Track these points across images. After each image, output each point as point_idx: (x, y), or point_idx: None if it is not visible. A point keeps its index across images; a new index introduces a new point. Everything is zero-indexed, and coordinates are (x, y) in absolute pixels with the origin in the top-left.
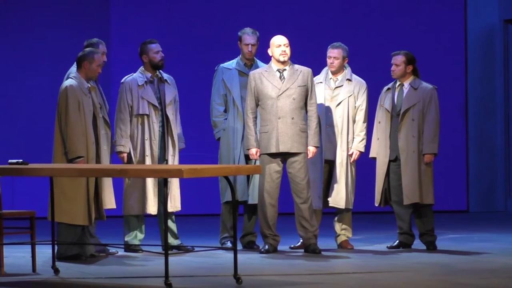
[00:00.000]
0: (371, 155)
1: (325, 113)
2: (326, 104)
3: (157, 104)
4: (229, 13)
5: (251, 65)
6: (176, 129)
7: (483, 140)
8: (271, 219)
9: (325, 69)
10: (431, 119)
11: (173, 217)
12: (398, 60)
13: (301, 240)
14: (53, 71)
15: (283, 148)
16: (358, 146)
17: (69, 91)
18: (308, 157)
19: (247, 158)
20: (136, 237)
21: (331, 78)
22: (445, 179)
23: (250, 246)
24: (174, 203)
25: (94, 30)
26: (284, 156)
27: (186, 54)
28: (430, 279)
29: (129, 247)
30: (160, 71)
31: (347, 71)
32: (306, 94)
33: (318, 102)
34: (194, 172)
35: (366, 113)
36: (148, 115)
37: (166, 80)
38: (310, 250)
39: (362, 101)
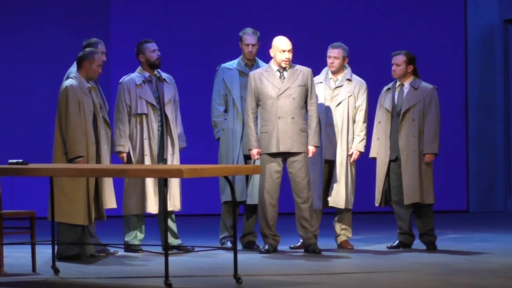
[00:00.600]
0: (371, 155)
1: (325, 113)
2: (326, 104)
3: (155, 103)
4: (229, 13)
5: (252, 65)
6: (175, 128)
7: (483, 140)
8: (271, 219)
9: (325, 69)
10: (432, 119)
11: (173, 216)
12: (399, 60)
13: (301, 240)
14: (53, 71)
15: (283, 148)
16: (358, 146)
17: (69, 91)
18: (308, 157)
19: (246, 158)
20: (136, 237)
21: (331, 78)
22: (445, 179)
23: (250, 246)
24: (174, 202)
25: (94, 30)
26: (284, 156)
27: (186, 54)
28: (430, 279)
29: (129, 247)
30: (159, 70)
31: (347, 71)
32: (306, 93)
33: (318, 102)
34: (194, 172)
35: (366, 113)
36: (146, 115)
37: (165, 79)
38: (310, 250)
39: (362, 101)
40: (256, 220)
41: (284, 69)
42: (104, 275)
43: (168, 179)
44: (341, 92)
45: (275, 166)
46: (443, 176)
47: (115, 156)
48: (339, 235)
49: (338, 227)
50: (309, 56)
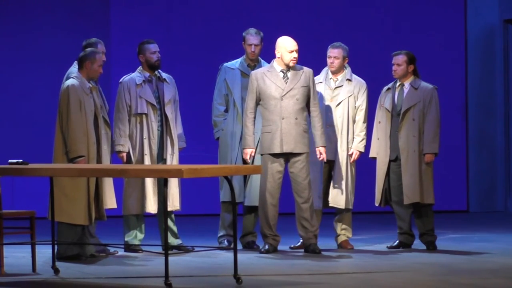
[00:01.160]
0: (371, 155)
1: (325, 113)
2: (326, 104)
3: (155, 103)
4: (229, 13)
5: (255, 66)
6: (175, 128)
7: (483, 140)
8: (272, 219)
9: (325, 69)
10: (432, 119)
11: (173, 216)
12: (400, 60)
13: (301, 240)
14: (53, 71)
15: (287, 149)
16: (358, 146)
17: (70, 90)
18: (320, 159)
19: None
20: (136, 237)
21: (331, 78)
22: (445, 179)
23: (250, 246)
24: (173, 202)
25: (94, 30)
26: (286, 157)
27: (186, 54)
28: (430, 279)
29: (129, 247)
30: (159, 70)
31: (347, 71)
32: (308, 94)
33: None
34: (194, 172)
35: (366, 113)
36: (146, 114)
37: (165, 79)
38: (310, 250)
39: (362, 101)
40: (256, 220)
41: (288, 69)
42: (104, 275)
43: (168, 179)
44: (341, 92)
45: (277, 167)
46: (443, 176)
47: (115, 156)
48: (339, 235)
49: (338, 227)
50: (309, 56)
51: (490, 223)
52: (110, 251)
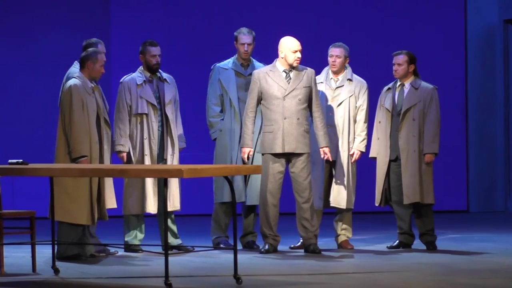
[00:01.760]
0: (371, 155)
1: (326, 113)
2: (327, 104)
3: (156, 103)
4: (229, 13)
5: (248, 65)
6: (175, 128)
7: (483, 140)
8: (273, 219)
9: (325, 69)
10: (432, 119)
11: (173, 216)
12: (400, 60)
13: (301, 240)
14: (53, 71)
15: (288, 149)
16: (359, 146)
17: (73, 90)
18: (325, 158)
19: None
20: (136, 237)
21: (331, 78)
22: (445, 179)
23: (250, 246)
24: (173, 203)
25: (94, 30)
26: (287, 157)
27: (186, 54)
28: (430, 279)
29: (129, 247)
30: (160, 70)
31: (348, 71)
32: (310, 95)
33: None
34: (194, 172)
35: (367, 113)
36: (147, 114)
37: (165, 79)
38: (310, 250)
39: (363, 101)
40: (255, 220)
41: (291, 69)
42: (104, 275)
43: (168, 179)
44: (342, 92)
45: (278, 167)
46: (443, 176)
47: (115, 155)
48: (339, 235)
49: (338, 227)
50: (309, 56)
51: (490, 223)
52: (110, 251)
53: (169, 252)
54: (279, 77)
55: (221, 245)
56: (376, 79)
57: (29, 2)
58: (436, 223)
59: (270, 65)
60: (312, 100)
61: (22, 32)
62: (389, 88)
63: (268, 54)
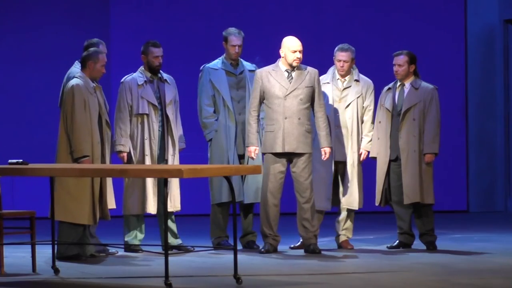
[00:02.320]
0: (372, 154)
1: (334, 114)
2: (335, 105)
3: (156, 104)
4: (229, 13)
5: (237, 64)
6: (176, 128)
7: (483, 140)
8: (274, 219)
9: (331, 69)
10: (432, 119)
11: (173, 216)
12: (401, 60)
13: (301, 240)
14: (53, 71)
15: (288, 148)
16: (367, 146)
17: (75, 90)
18: (324, 159)
19: (240, 158)
20: (136, 237)
21: (338, 79)
22: (445, 179)
23: (250, 246)
24: (174, 203)
25: (94, 30)
26: (289, 156)
27: (186, 54)
28: (430, 279)
29: (129, 247)
30: (160, 71)
31: (355, 72)
32: (313, 95)
33: (326, 103)
34: (194, 172)
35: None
36: (147, 115)
37: (166, 80)
38: (310, 250)
39: (370, 102)
40: (254, 219)
41: (293, 69)
42: (104, 275)
43: (168, 179)
44: (349, 93)
45: (279, 167)
46: (443, 176)
47: (115, 156)
48: (339, 235)
49: (339, 227)
50: (309, 56)
51: (490, 223)
52: (110, 251)
53: (169, 252)
54: (281, 76)
55: (221, 245)
56: (376, 79)
57: (29, 2)
58: (436, 223)
59: (273, 64)
60: (315, 100)
61: (22, 32)
62: (389, 88)
63: (268, 54)
